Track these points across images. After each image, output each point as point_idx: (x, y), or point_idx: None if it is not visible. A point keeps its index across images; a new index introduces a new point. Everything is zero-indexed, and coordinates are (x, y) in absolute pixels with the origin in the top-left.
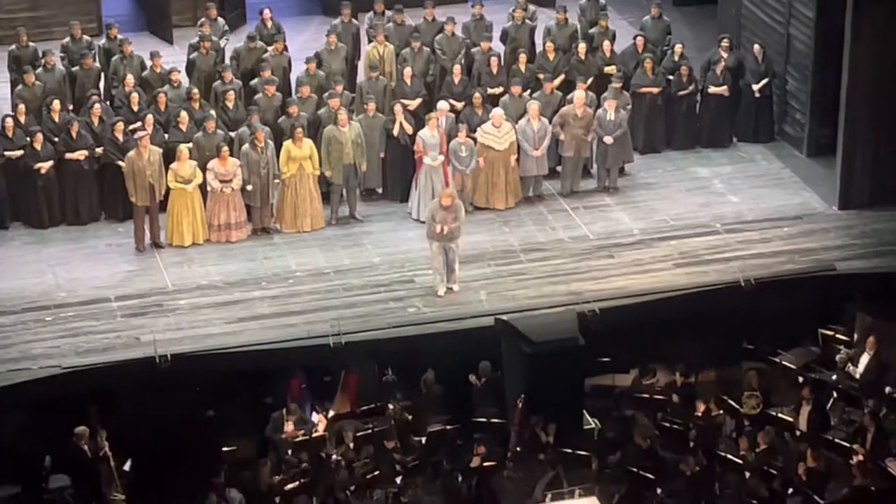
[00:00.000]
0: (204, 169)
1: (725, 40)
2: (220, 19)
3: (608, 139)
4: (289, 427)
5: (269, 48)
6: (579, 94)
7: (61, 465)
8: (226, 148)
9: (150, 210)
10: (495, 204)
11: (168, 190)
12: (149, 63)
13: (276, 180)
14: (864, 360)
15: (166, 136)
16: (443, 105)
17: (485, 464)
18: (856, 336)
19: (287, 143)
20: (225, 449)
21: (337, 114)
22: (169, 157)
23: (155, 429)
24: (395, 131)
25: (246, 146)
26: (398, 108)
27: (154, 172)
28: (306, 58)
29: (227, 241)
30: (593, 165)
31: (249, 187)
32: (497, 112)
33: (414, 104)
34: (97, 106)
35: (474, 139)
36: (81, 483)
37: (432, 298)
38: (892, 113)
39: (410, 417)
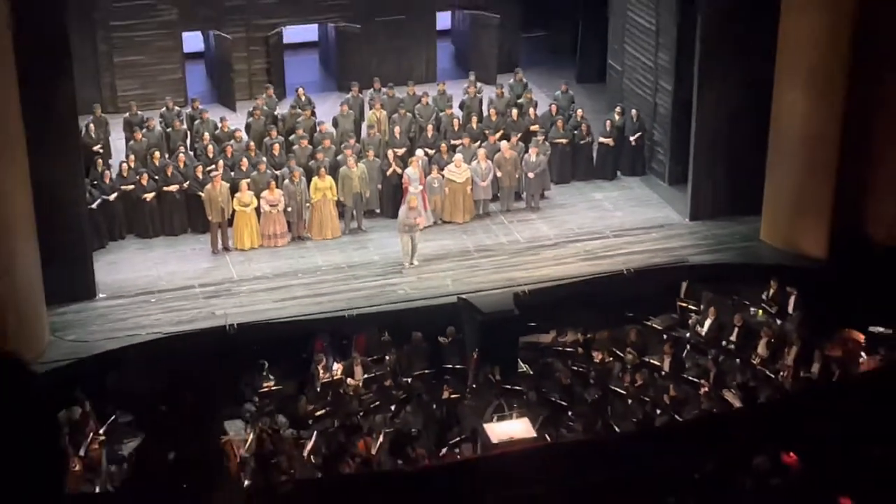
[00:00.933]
0: (258, 197)
1: (618, 107)
2: (273, 95)
3: (531, 174)
4: (320, 371)
5: (303, 114)
6: (504, 145)
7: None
8: (273, 183)
9: (221, 225)
10: (456, 219)
11: (234, 211)
12: (219, 124)
13: (307, 203)
14: (708, 322)
15: (232, 174)
16: (419, 153)
17: (451, 396)
18: (702, 306)
19: (315, 179)
20: (274, 387)
21: (348, 159)
22: (234, 189)
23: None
24: (389, 172)
25: (287, 181)
26: (391, 154)
27: (223, 199)
28: (319, 121)
29: (275, 246)
30: (523, 192)
31: (289, 209)
32: (457, 156)
33: (401, 151)
34: (181, 155)
35: (442, 175)
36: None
37: (415, 283)
38: (725, 153)
39: (401, 365)
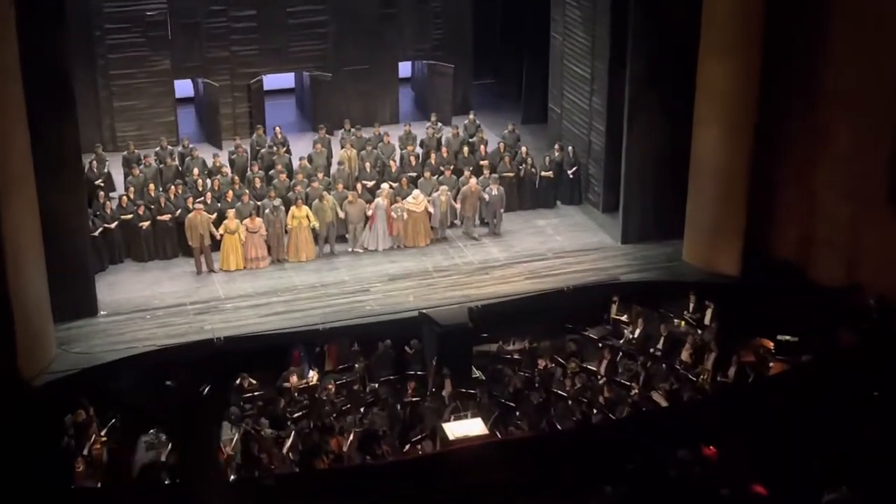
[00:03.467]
0: (242, 223)
1: (557, 144)
2: (264, 134)
3: (496, 204)
4: (293, 379)
5: (278, 152)
6: (473, 181)
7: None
8: (255, 212)
9: (203, 250)
10: (418, 243)
11: (213, 237)
12: (211, 161)
13: (286, 230)
14: (637, 332)
15: (219, 204)
16: (384, 186)
17: (413, 399)
18: (632, 318)
19: (292, 208)
20: (255, 394)
21: (322, 194)
22: (221, 217)
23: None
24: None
25: (268, 212)
26: (359, 186)
27: (203, 227)
28: (300, 157)
29: (256, 268)
30: (485, 219)
31: (269, 233)
32: (416, 192)
33: (370, 184)
34: (172, 188)
35: (401, 206)
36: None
37: (381, 300)
38: (652, 184)
39: (368, 371)
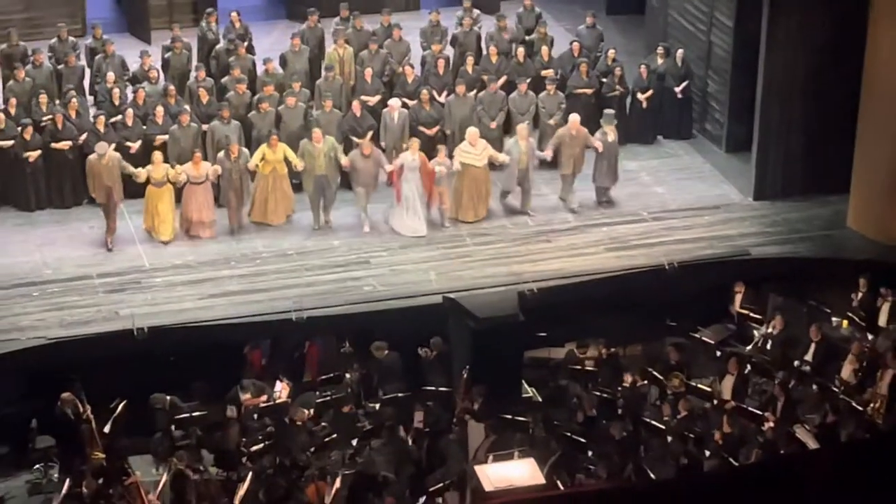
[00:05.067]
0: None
1: (661, 47)
2: (215, 22)
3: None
4: (245, 396)
5: (241, 48)
6: (574, 118)
7: (47, 427)
8: (198, 153)
9: (112, 207)
10: (467, 216)
11: (145, 186)
12: (138, 61)
13: (251, 180)
14: (774, 335)
15: (144, 127)
16: (394, 101)
17: (432, 428)
18: (767, 314)
19: (262, 148)
20: (196, 414)
21: (312, 130)
22: (148, 148)
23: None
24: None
25: (221, 154)
26: (357, 104)
27: (109, 174)
28: (263, 59)
29: (198, 236)
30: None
31: (214, 179)
32: (472, 131)
33: (373, 100)
34: (74, 100)
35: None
36: (65, 444)
37: (387, 277)
38: (802, 113)
39: (365, 385)
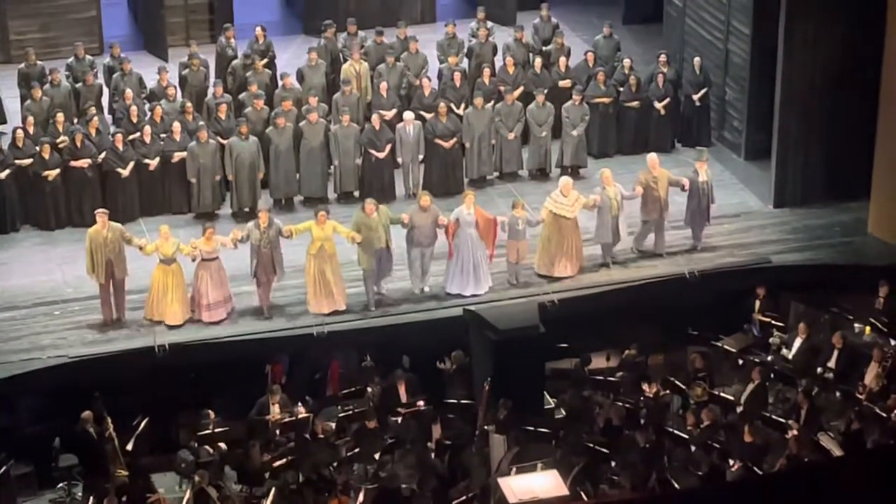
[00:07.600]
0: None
1: (663, 55)
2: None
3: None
4: (275, 409)
5: (259, 63)
6: (653, 157)
7: (70, 446)
8: (211, 228)
9: (116, 285)
10: (561, 272)
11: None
12: (156, 77)
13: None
14: (797, 343)
15: (162, 143)
16: (408, 115)
17: (455, 441)
18: (790, 321)
19: (310, 223)
20: (219, 430)
21: (365, 205)
22: (165, 163)
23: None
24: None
25: (251, 224)
26: (376, 118)
27: (112, 245)
28: (280, 74)
29: (211, 321)
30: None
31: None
32: (565, 180)
33: (389, 114)
34: (95, 118)
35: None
36: (88, 462)
37: (405, 290)
38: (821, 119)
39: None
